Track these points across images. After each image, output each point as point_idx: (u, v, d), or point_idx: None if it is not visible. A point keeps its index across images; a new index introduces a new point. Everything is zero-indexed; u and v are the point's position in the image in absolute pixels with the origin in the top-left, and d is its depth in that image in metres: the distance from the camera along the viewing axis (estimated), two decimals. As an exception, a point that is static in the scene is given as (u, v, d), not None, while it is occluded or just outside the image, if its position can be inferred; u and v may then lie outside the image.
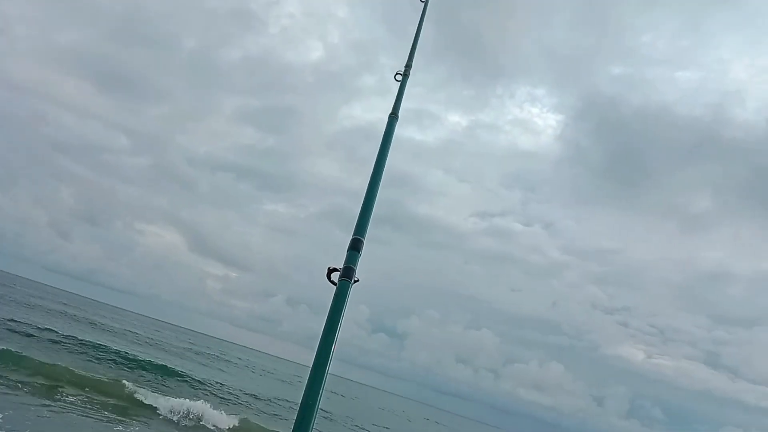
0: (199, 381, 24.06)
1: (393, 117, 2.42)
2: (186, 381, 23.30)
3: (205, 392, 22.50)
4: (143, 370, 22.41)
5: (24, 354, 17.11)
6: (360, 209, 2.24)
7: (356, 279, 2.11)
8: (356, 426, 30.13)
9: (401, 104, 2.42)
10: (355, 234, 2.18)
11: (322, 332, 1.96)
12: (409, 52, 2.61)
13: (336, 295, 2.04)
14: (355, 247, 2.16)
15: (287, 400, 27.80)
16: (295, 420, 1.79)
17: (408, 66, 2.56)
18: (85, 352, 22.15)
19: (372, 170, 2.29)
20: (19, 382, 14.90)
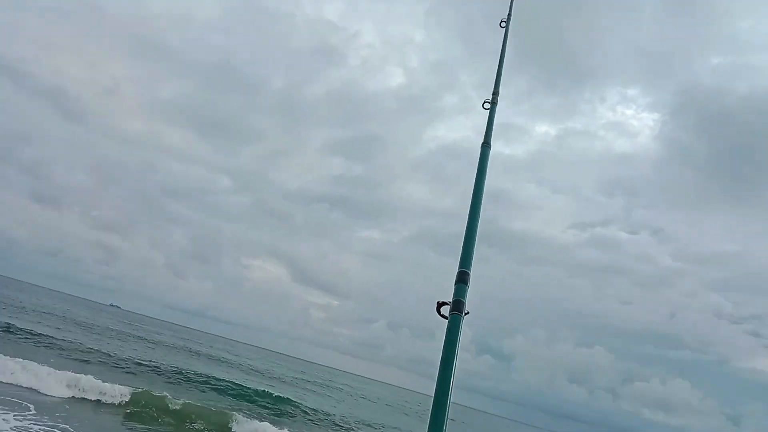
0: (312, 410, 24.67)
1: (486, 146, 2.42)
2: (300, 410, 23.98)
3: (317, 421, 23.05)
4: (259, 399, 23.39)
5: (157, 393, 18.28)
6: (463, 241, 2.25)
7: (467, 312, 2.11)
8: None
9: (492, 132, 2.42)
10: (461, 267, 2.19)
11: (438, 368, 1.96)
12: (494, 79, 2.62)
13: (448, 329, 2.04)
14: (463, 279, 2.16)
15: (398, 429, 27.87)
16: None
17: (495, 93, 2.56)
18: (206, 386, 23.44)
19: (471, 201, 2.30)
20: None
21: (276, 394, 25.36)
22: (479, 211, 2.29)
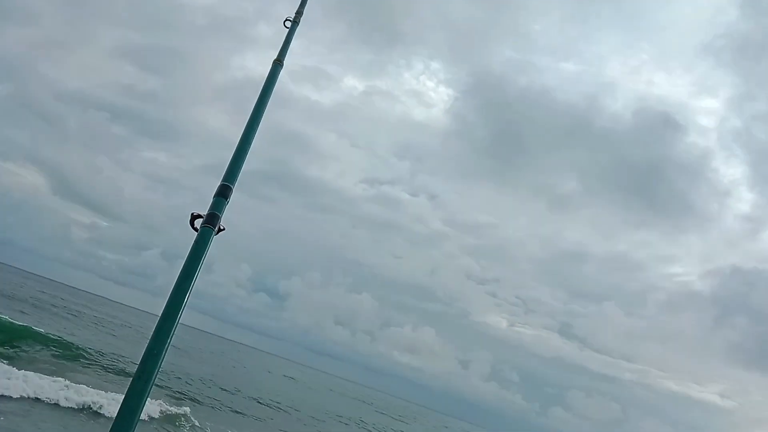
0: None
1: (277, 64, 2.30)
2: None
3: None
4: None
5: None
6: (232, 154, 2.12)
7: (222, 227, 2.00)
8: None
9: (287, 53, 2.31)
10: (224, 180, 2.07)
11: (176, 280, 1.85)
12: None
13: (196, 242, 1.93)
14: (223, 193, 2.04)
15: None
16: (137, 369, 1.69)
17: (299, 13, 2.43)
18: None
19: (249, 116, 2.17)
20: None
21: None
22: (256, 127, 2.19)
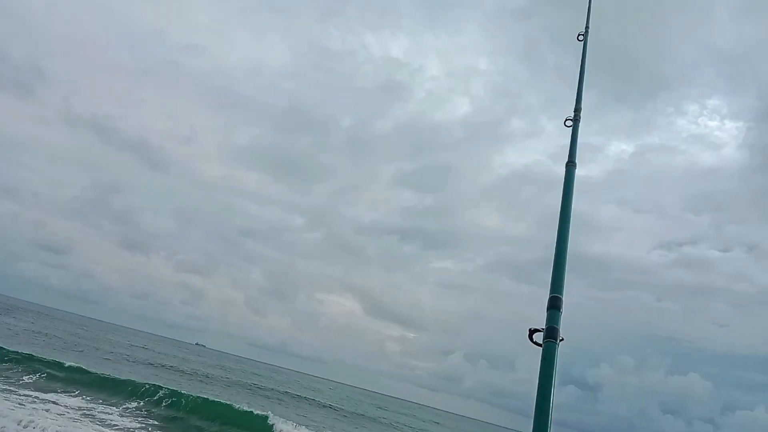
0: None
1: (571, 165, 2.32)
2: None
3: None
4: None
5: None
6: (552, 266, 2.15)
7: (561, 338, 2.01)
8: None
9: (577, 150, 2.32)
10: (552, 292, 2.10)
11: (535, 400, 1.87)
12: (575, 95, 2.52)
13: (543, 357, 1.95)
14: (555, 305, 2.07)
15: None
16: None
17: (577, 110, 2.46)
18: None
19: (558, 224, 2.20)
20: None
21: None
22: (568, 234, 2.19)
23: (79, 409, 17.83)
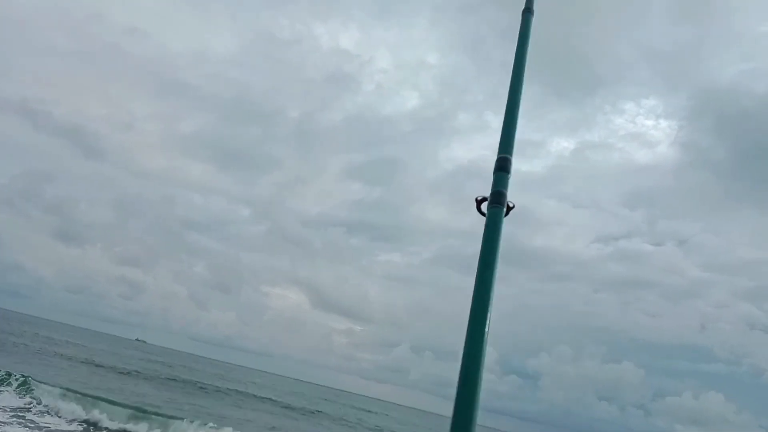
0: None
1: (527, 13, 1.95)
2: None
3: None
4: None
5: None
6: (502, 124, 1.75)
7: (510, 205, 1.61)
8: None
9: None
10: (500, 153, 1.70)
11: (476, 273, 1.49)
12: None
13: (487, 225, 1.58)
14: (503, 167, 1.67)
15: None
16: (458, 382, 1.31)
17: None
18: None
19: (511, 76, 1.80)
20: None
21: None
22: (521, 87, 1.80)
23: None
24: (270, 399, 40.88)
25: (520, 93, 1.78)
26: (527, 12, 1.93)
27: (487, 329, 1.39)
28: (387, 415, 63.63)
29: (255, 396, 40.69)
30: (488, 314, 1.40)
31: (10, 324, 65.17)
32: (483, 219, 1.60)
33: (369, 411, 63.40)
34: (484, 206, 1.63)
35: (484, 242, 1.54)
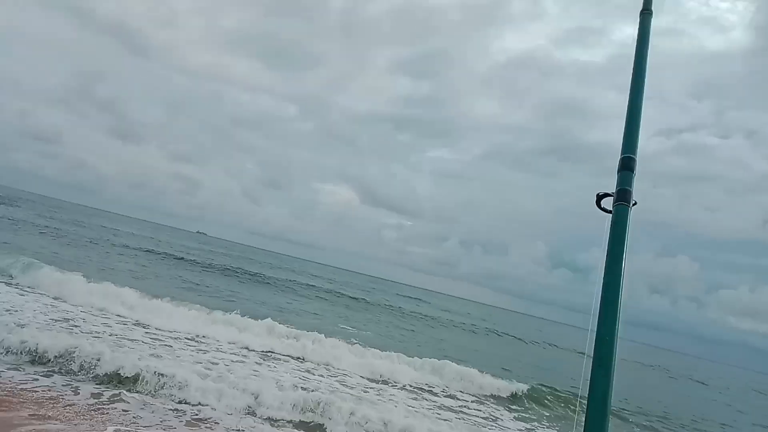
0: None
1: (646, 13, 2.06)
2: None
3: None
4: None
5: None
6: (625, 123, 1.96)
7: (635, 202, 1.85)
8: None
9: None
10: (624, 152, 1.91)
11: (604, 268, 1.72)
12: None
13: (614, 222, 1.80)
14: (628, 166, 1.88)
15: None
16: (594, 356, 1.60)
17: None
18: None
19: (631, 78, 1.97)
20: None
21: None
22: (643, 88, 1.97)
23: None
24: (315, 286, 43.32)
25: (642, 93, 1.95)
26: (646, 12, 2.04)
27: (616, 331, 1.59)
28: (429, 303, 66.14)
29: (305, 285, 43.07)
30: (618, 314, 1.61)
31: (81, 217, 69.05)
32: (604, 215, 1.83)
33: (414, 298, 66.11)
34: (603, 202, 1.86)
35: (611, 238, 1.76)
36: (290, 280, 43.51)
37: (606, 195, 1.88)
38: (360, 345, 17.50)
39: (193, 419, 8.21)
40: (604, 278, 1.72)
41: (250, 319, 17.14)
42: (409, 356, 17.08)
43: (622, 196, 1.83)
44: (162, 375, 9.17)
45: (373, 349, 17.03)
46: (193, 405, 8.76)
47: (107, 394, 8.39)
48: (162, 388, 8.97)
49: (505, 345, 37.64)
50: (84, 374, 9.06)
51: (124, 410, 7.84)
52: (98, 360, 9.29)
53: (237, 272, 39.81)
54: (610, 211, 1.84)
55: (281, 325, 17.23)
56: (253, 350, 14.18)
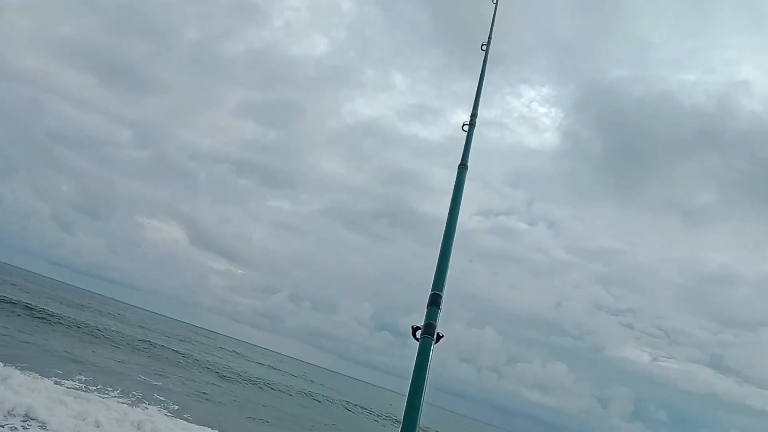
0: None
1: (462, 168, 2.43)
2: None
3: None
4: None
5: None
6: (436, 264, 2.24)
7: (440, 335, 2.09)
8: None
9: (470, 154, 2.42)
10: (433, 289, 2.18)
11: (408, 395, 1.92)
12: (473, 101, 2.62)
13: (419, 353, 2.02)
14: (435, 302, 2.14)
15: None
16: None
17: (474, 116, 2.57)
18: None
19: (446, 222, 2.29)
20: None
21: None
22: (454, 233, 2.29)
23: None
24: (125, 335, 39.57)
25: (453, 237, 2.27)
26: (462, 167, 2.41)
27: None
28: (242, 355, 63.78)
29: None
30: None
31: None
32: (416, 343, 2.09)
33: (229, 350, 63.45)
34: (418, 333, 2.11)
35: (416, 367, 1.97)
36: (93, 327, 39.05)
37: (418, 328, 2.12)
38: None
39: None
40: (405, 408, 1.87)
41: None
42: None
43: (428, 330, 2.07)
44: None
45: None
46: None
47: None
48: None
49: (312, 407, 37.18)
50: None
51: None
52: None
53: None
54: (418, 340, 2.08)
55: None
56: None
